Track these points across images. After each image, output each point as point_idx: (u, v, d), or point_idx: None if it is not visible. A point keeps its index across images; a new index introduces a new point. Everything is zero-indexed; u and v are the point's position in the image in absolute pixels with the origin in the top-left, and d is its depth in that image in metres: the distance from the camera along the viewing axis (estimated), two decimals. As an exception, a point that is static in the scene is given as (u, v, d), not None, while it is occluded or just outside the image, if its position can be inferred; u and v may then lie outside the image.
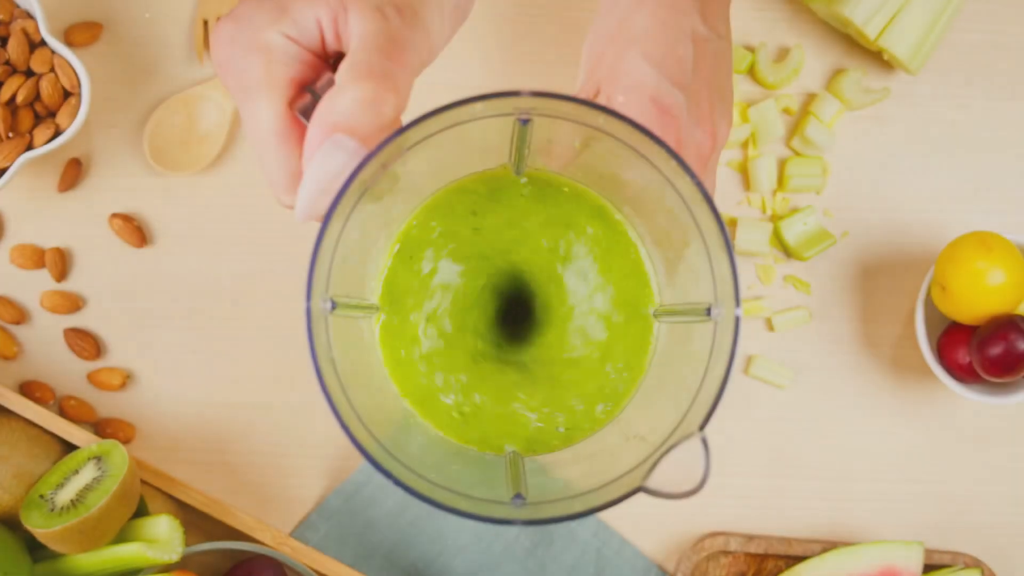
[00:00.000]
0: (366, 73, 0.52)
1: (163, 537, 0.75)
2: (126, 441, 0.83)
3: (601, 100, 0.66)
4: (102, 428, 0.83)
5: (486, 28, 0.85)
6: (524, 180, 0.62)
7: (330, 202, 0.51)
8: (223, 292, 0.84)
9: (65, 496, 0.73)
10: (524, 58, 0.85)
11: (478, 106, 0.52)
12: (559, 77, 0.85)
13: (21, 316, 0.83)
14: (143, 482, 0.79)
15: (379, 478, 0.83)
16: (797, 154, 0.85)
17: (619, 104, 0.65)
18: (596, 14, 0.70)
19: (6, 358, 0.83)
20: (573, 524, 0.83)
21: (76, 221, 0.84)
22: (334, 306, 0.54)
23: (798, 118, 0.85)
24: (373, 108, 0.52)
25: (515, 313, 0.65)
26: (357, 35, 0.54)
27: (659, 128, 0.65)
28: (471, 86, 0.85)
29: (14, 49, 0.80)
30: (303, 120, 0.55)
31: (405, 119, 0.53)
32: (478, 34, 0.85)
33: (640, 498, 0.52)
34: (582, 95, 0.67)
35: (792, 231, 0.84)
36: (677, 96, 0.65)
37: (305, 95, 0.55)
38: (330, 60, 0.57)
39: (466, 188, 0.62)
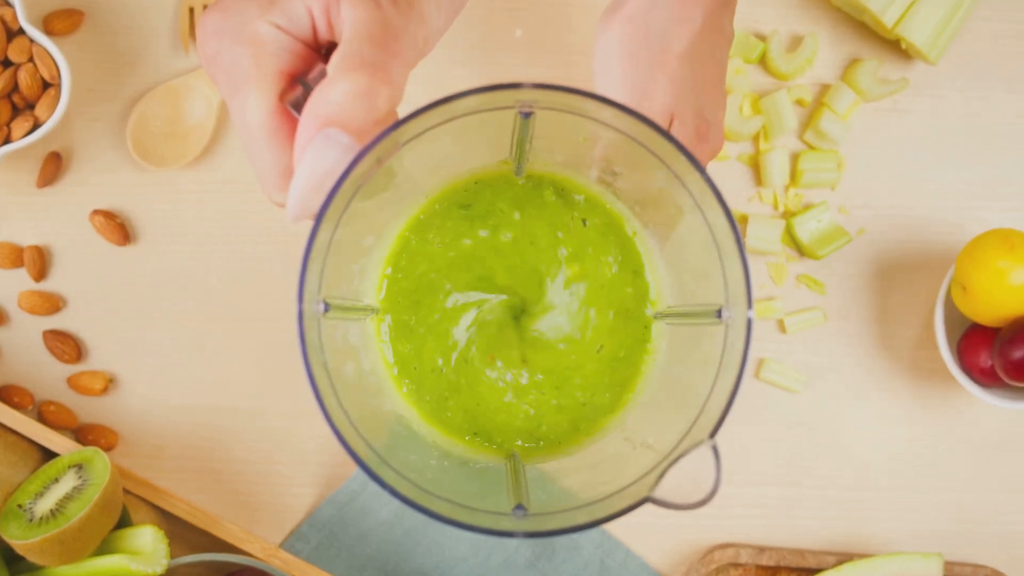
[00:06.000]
0: (358, 64, 0.52)
1: (147, 549, 0.75)
2: (108, 448, 0.83)
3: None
4: (83, 434, 0.83)
5: (486, 17, 0.85)
6: (523, 180, 0.63)
7: (323, 200, 0.51)
8: (210, 292, 0.84)
9: (44, 506, 0.73)
10: (525, 49, 0.85)
11: (478, 99, 0.52)
12: (562, 69, 0.85)
13: (-2, 317, 0.84)
14: (126, 491, 0.79)
15: (373, 487, 0.83)
16: (811, 148, 0.85)
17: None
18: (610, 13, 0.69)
19: (-18, 361, 0.84)
20: (576, 534, 0.83)
21: (56, 218, 0.84)
22: (327, 308, 0.54)
23: (812, 110, 0.85)
24: (366, 100, 0.52)
25: (516, 311, 0.65)
26: (349, 24, 0.54)
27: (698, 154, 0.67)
28: (470, 78, 0.85)
29: (-9, 38, 0.80)
30: (295, 114, 0.55)
31: (401, 112, 0.53)
32: (477, 24, 0.85)
33: (647, 508, 0.52)
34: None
35: (806, 228, 0.84)
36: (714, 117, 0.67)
37: (297, 87, 0.55)
38: (322, 51, 0.57)
39: (466, 188, 0.63)
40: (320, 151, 0.52)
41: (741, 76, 0.84)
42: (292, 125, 0.55)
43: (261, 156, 0.55)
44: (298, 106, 0.54)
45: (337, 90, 0.52)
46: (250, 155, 0.55)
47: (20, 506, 0.74)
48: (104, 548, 0.76)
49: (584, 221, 0.64)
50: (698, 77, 0.67)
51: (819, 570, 0.82)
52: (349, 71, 0.52)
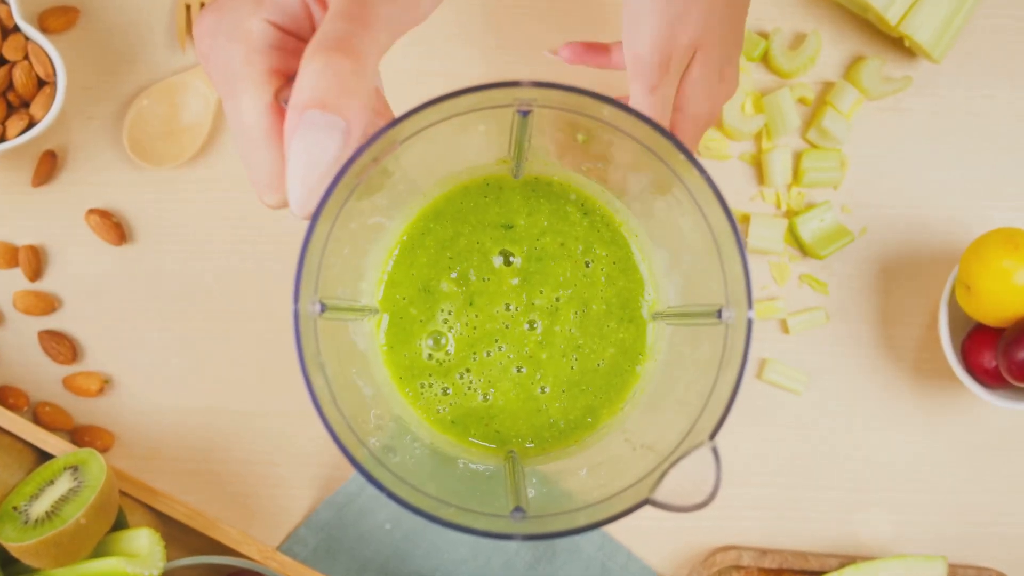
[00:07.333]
0: (322, 43, 0.51)
1: (143, 551, 0.75)
2: (104, 450, 0.83)
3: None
4: (79, 436, 0.83)
5: (485, 13, 0.85)
6: (522, 181, 0.63)
7: (320, 195, 0.51)
8: (206, 292, 0.84)
9: (40, 508, 0.73)
10: (525, 46, 0.85)
11: (476, 97, 0.52)
12: (563, 68, 0.85)
13: (-7, 318, 0.84)
14: (122, 493, 0.79)
15: (372, 489, 0.83)
16: (813, 146, 0.85)
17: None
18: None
19: (-23, 362, 0.84)
20: (577, 537, 0.83)
21: (51, 217, 0.84)
22: (323, 308, 0.54)
23: (814, 108, 0.85)
24: (328, 73, 0.49)
25: (516, 312, 0.65)
26: (329, 6, 0.53)
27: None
28: (469, 76, 0.85)
29: (-15, 35, 0.80)
30: None
31: (399, 111, 0.53)
32: (477, 20, 0.85)
33: (648, 510, 0.52)
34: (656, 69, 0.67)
35: (808, 228, 0.84)
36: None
37: (292, 85, 0.54)
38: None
39: (464, 188, 0.63)
40: (305, 136, 0.50)
41: (743, 74, 0.84)
42: None
43: (256, 156, 0.54)
44: None
45: (304, 73, 0.50)
46: (244, 155, 0.55)
47: (15, 508, 0.74)
48: (100, 550, 0.76)
49: (583, 222, 0.64)
50: (727, 10, 0.67)
51: (822, 573, 0.82)
52: (314, 52, 0.51)
